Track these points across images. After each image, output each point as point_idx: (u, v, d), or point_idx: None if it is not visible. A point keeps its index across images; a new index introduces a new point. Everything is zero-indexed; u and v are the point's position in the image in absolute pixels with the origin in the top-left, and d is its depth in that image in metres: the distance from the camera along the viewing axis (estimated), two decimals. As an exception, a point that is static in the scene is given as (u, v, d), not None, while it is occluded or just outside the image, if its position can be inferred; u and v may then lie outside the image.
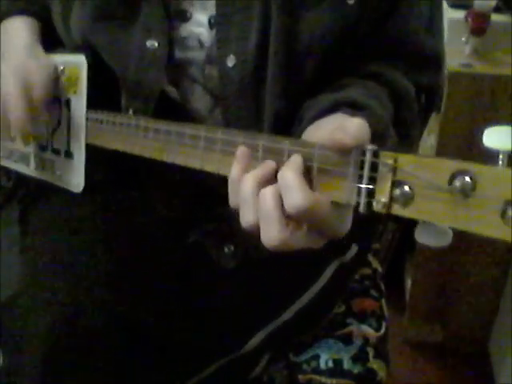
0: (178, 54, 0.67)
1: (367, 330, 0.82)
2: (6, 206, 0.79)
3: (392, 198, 0.39)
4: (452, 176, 0.36)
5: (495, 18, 1.43)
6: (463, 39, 1.43)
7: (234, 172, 0.48)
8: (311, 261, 0.76)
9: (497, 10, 1.45)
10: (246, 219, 0.46)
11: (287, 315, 0.74)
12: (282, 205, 0.44)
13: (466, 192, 0.35)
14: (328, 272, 0.77)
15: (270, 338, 0.73)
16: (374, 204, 0.40)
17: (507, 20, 1.45)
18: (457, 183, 0.36)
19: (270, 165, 0.47)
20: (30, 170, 0.79)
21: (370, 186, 0.40)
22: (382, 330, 0.83)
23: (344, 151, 0.42)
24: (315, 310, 0.77)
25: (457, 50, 1.40)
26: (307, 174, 0.45)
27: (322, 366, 0.77)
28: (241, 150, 0.48)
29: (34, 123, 0.68)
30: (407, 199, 0.38)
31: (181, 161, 0.56)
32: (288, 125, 0.63)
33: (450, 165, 0.36)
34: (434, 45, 0.68)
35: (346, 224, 0.46)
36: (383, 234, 1.52)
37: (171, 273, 0.69)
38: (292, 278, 0.75)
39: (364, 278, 0.92)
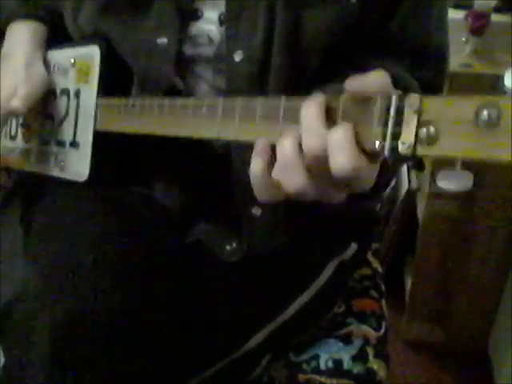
0: (188, 50, 0.68)
1: (367, 330, 0.82)
2: (7, 205, 0.78)
3: (417, 139, 0.41)
4: (477, 110, 0.38)
5: (495, 18, 1.43)
6: (463, 39, 1.43)
7: (257, 168, 0.48)
8: (311, 259, 0.76)
9: (497, 10, 1.45)
10: (296, 182, 0.46)
11: (288, 314, 0.74)
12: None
13: (492, 123, 0.37)
14: (328, 270, 0.77)
15: (271, 336, 0.73)
16: (400, 146, 0.41)
17: (507, 20, 1.46)
18: (483, 116, 0.37)
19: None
20: (29, 164, 0.79)
21: (397, 130, 0.42)
22: (382, 330, 0.83)
23: (368, 97, 0.43)
24: (316, 309, 0.77)
25: (457, 50, 1.40)
26: (332, 123, 0.45)
27: (322, 366, 0.77)
28: (261, 143, 0.48)
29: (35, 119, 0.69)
30: (432, 139, 0.40)
31: (198, 133, 0.57)
32: None
33: (475, 99, 0.38)
34: (439, 40, 0.68)
35: (371, 179, 0.46)
36: (383, 234, 1.52)
37: (173, 272, 0.69)
38: (292, 276, 0.75)
39: (364, 278, 0.92)
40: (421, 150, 0.40)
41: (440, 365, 1.65)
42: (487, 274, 1.56)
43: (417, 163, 0.42)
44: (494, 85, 1.35)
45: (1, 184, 0.82)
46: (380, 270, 0.95)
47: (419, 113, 0.40)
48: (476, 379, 1.62)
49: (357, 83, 0.44)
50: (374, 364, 0.78)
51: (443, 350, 1.67)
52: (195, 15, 0.66)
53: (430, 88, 0.69)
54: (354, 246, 0.82)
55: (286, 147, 0.46)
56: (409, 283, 1.68)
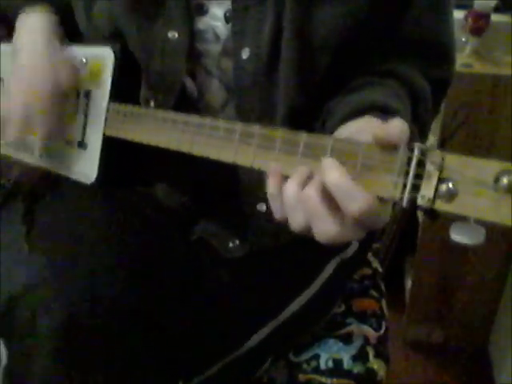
0: (198, 46, 0.68)
1: (367, 329, 0.82)
2: (8, 205, 0.78)
3: (436, 194, 0.41)
4: (498, 175, 0.38)
5: (495, 18, 1.44)
6: (463, 39, 1.43)
7: (271, 187, 0.50)
8: (312, 257, 0.76)
9: (497, 10, 1.45)
10: (298, 223, 0.48)
11: (288, 312, 0.74)
12: (330, 199, 0.46)
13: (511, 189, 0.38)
14: (329, 268, 0.77)
15: (272, 335, 0.73)
16: (419, 199, 0.42)
17: (507, 20, 1.46)
18: (503, 181, 0.38)
19: (304, 170, 0.48)
20: (34, 158, 0.78)
21: (417, 182, 0.42)
22: (382, 330, 0.83)
23: (390, 149, 0.44)
24: (316, 308, 0.77)
25: (457, 50, 1.40)
26: (351, 169, 0.46)
27: (322, 365, 0.77)
28: (273, 167, 0.50)
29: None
30: (452, 195, 0.41)
31: (212, 154, 0.57)
32: (301, 117, 0.63)
33: (496, 165, 0.39)
34: (447, 37, 0.69)
35: (386, 216, 0.47)
36: (383, 233, 1.52)
37: (175, 270, 0.69)
38: (293, 274, 0.75)
39: (364, 278, 0.92)
40: (439, 205, 0.41)
41: (440, 365, 1.65)
42: (487, 274, 1.56)
43: (431, 213, 0.43)
44: (493, 86, 1.35)
45: (1, 184, 0.82)
46: (380, 269, 0.95)
47: (441, 169, 0.41)
48: (476, 379, 1.62)
49: (377, 130, 0.45)
50: (374, 364, 0.78)
51: (443, 350, 1.67)
52: (201, 10, 0.67)
53: (443, 83, 0.70)
54: (354, 245, 0.82)
55: (312, 197, 0.46)
56: (409, 283, 1.68)
